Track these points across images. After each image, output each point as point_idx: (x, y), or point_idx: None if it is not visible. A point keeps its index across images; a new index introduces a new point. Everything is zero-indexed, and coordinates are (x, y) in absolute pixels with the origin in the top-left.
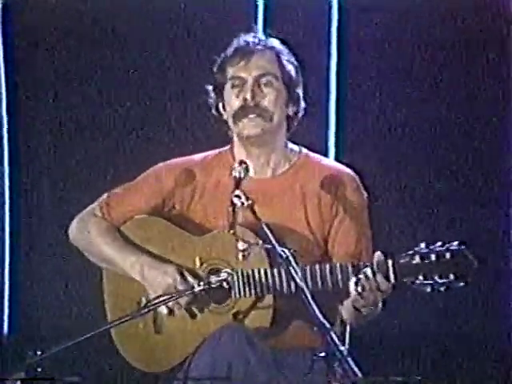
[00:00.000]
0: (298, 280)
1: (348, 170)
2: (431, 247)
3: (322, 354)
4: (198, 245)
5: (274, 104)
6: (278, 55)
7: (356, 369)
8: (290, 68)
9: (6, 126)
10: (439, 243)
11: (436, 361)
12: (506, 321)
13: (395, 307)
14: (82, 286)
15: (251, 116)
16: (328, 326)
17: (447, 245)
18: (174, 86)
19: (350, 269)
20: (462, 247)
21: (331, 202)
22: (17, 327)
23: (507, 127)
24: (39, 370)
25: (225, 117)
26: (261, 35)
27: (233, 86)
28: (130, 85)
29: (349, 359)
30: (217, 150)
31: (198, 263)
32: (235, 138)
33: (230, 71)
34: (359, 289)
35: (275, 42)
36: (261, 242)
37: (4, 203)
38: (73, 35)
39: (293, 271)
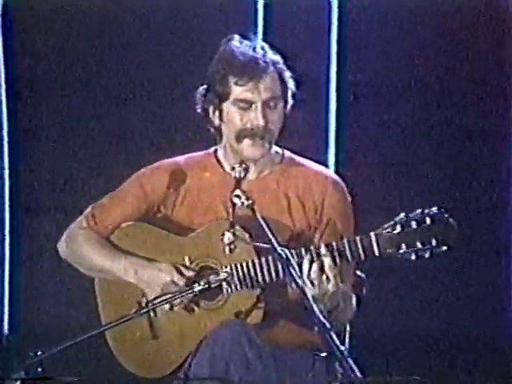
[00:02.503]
0: (298, 280)
1: (332, 174)
2: (411, 215)
3: (322, 354)
4: (185, 245)
5: (276, 125)
6: (280, 72)
7: (356, 369)
8: (291, 84)
9: (6, 127)
10: (419, 210)
11: (436, 361)
12: (506, 320)
13: (395, 307)
14: (82, 286)
15: (257, 139)
16: (328, 325)
17: (426, 211)
18: (169, 89)
19: (313, 251)
20: (442, 211)
21: (315, 207)
22: (17, 327)
23: (506, 125)
24: (39, 369)
25: (216, 122)
26: (260, 42)
27: (238, 107)
28: (130, 86)
29: (349, 359)
30: (200, 152)
31: (187, 262)
32: (223, 143)
33: (236, 90)
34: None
35: (276, 56)
36: (247, 235)
37: (4, 203)
38: (72, 35)
39: (293, 271)
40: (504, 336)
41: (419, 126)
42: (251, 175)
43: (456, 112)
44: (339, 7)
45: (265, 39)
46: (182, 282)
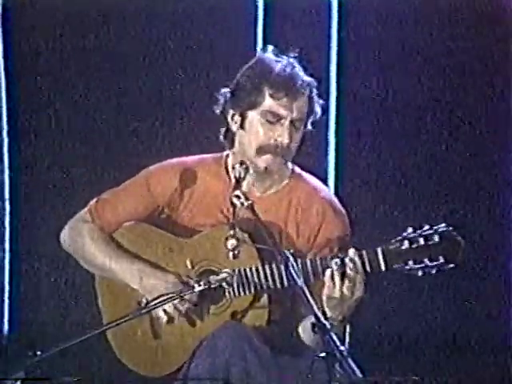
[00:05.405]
0: (298, 281)
1: (334, 199)
2: (419, 231)
3: (322, 354)
4: (188, 248)
5: (297, 145)
6: (311, 97)
7: (356, 369)
8: (317, 110)
9: (5, 127)
10: (427, 227)
11: (436, 360)
12: (506, 320)
13: (395, 307)
14: (82, 286)
15: (277, 156)
16: (328, 325)
17: (435, 227)
18: (170, 89)
19: (318, 262)
20: (450, 229)
21: (309, 232)
22: (17, 327)
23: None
24: (39, 370)
25: (233, 128)
26: (295, 62)
27: (266, 119)
28: (129, 85)
29: (349, 359)
30: (211, 155)
31: (189, 266)
32: (235, 149)
33: (269, 102)
34: (336, 278)
35: (310, 79)
36: (247, 237)
37: (4, 204)
38: (73, 35)
39: (293, 272)
40: (503, 337)
41: (422, 135)
42: (257, 191)
43: (460, 125)
44: (339, 7)
45: (265, 39)
46: (187, 296)
